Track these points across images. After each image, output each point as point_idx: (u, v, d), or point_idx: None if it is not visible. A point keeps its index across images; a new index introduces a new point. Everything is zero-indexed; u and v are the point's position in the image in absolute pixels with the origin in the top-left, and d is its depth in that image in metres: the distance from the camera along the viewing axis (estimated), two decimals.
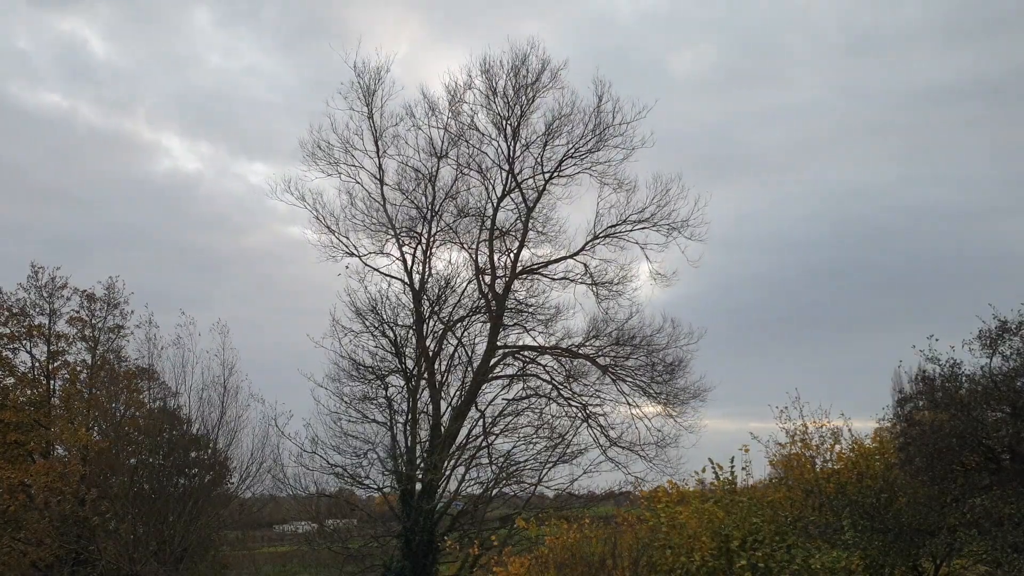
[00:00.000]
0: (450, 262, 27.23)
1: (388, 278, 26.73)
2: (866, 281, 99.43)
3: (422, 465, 24.92)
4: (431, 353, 26.23)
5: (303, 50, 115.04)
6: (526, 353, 27.03)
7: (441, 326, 26.67)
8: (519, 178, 26.52)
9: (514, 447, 25.97)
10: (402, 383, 26.20)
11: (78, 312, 29.14)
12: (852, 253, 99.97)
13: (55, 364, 29.07)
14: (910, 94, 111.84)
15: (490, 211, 26.84)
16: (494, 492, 26.29)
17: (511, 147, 26.24)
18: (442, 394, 26.23)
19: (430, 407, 26.02)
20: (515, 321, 27.08)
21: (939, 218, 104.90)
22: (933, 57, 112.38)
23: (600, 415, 26.40)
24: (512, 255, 26.79)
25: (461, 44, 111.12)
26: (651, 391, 26.04)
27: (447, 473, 25.27)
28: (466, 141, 26.50)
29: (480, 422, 26.16)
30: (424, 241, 26.73)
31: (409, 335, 26.48)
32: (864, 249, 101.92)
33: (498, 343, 26.59)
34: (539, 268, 27.15)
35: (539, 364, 26.97)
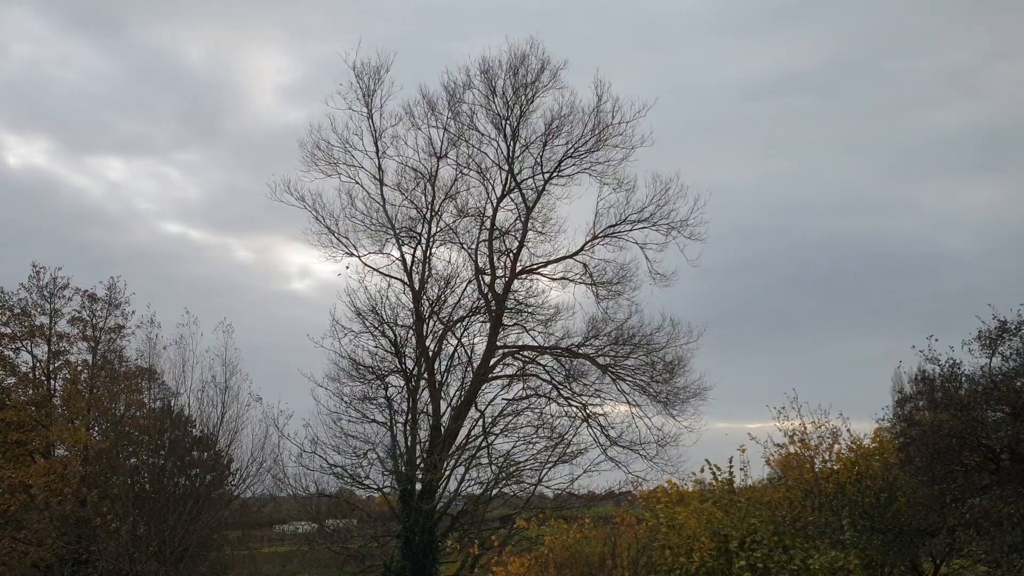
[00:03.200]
0: (450, 262, 27.26)
1: (388, 278, 26.78)
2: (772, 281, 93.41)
3: (422, 465, 24.94)
4: (431, 353, 26.25)
5: (120, 40, 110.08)
6: (526, 353, 27.05)
7: (441, 326, 26.69)
8: (518, 178, 26.55)
9: (514, 447, 26.02)
10: (402, 383, 26.23)
11: (79, 312, 29.16)
12: (742, 254, 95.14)
13: (56, 364, 29.08)
14: (729, 88, 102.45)
15: (489, 211, 26.90)
16: (494, 492, 26.31)
17: (510, 147, 26.26)
18: (442, 394, 26.25)
19: (430, 407, 26.04)
20: (515, 321, 27.11)
21: (816, 215, 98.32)
22: (735, 49, 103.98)
23: (600, 415, 26.46)
24: (512, 255, 26.81)
25: (265, 35, 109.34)
26: (651, 390, 26.07)
27: (447, 473, 25.29)
28: (465, 141, 26.54)
29: (480, 422, 26.18)
30: (424, 241, 26.76)
31: (409, 335, 26.50)
32: (751, 249, 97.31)
33: (498, 343, 26.61)
34: (539, 268, 27.19)
35: (539, 364, 27.01)
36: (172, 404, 27.23)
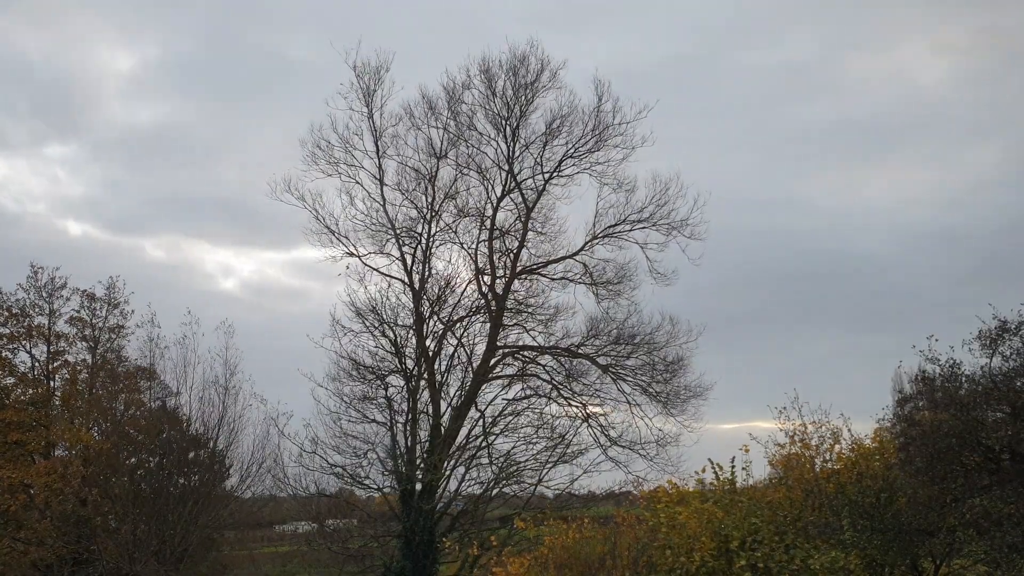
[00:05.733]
0: (450, 262, 27.25)
1: (388, 278, 26.76)
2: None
3: (422, 465, 24.93)
4: (431, 353, 26.24)
5: None
6: (526, 353, 27.03)
7: (441, 326, 26.69)
8: (518, 178, 26.54)
9: (514, 447, 26.00)
10: (402, 383, 26.21)
11: (78, 312, 29.15)
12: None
13: (55, 364, 29.07)
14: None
15: (489, 211, 26.87)
16: (494, 492, 26.31)
17: (510, 147, 26.26)
18: (442, 394, 26.23)
19: (430, 407, 26.02)
20: (515, 321, 27.09)
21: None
22: (557, 43, 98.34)
23: (600, 415, 26.46)
24: (512, 255, 26.80)
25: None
26: (651, 390, 26.06)
27: (447, 473, 25.28)
28: (465, 141, 26.52)
29: (480, 422, 26.17)
30: (424, 241, 26.75)
31: (409, 335, 26.49)
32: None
33: (498, 343, 26.59)
34: (539, 268, 27.16)
35: (539, 364, 26.98)
36: (172, 404, 27.27)
